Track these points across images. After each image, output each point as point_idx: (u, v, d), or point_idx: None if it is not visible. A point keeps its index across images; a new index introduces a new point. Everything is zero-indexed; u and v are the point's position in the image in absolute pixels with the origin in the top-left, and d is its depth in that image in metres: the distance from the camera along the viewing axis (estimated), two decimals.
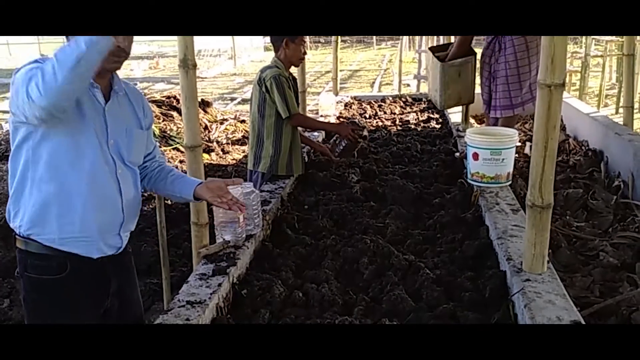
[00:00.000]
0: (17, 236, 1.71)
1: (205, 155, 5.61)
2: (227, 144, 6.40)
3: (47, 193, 1.64)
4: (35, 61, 1.55)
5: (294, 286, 2.24)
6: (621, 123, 4.54)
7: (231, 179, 2.17)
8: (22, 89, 1.47)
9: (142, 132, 1.86)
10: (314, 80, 13.26)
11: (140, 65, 15.86)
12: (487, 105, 3.99)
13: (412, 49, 14.52)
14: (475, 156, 3.13)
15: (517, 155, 3.52)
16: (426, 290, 2.15)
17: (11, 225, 1.71)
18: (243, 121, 7.22)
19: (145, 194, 2.92)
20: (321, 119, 5.57)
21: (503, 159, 3.08)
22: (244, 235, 2.37)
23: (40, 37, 18.28)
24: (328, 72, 13.20)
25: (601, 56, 8.71)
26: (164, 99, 7.03)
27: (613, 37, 7.68)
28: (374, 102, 6.84)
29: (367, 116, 6.16)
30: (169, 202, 3.80)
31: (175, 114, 6.62)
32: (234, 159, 5.88)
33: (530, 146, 2.03)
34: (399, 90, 8.71)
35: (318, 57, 18.37)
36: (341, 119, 5.76)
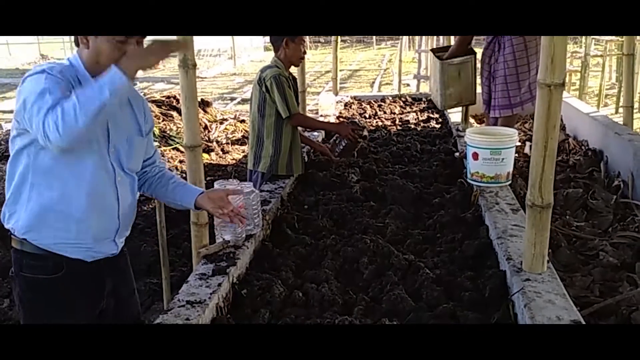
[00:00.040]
0: (12, 236, 1.71)
1: (205, 155, 5.60)
2: (227, 143, 6.39)
3: (47, 199, 1.64)
4: (43, 71, 1.54)
5: (293, 286, 2.24)
6: (621, 123, 4.55)
7: (232, 188, 2.17)
8: (37, 118, 1.47)
9: (142, 139, 1.85)
10: (314, 80, 13.26)
11: None
12: (486, 105, 4.00)
13: (412, 49, 14.52)
14: (475, 156, 3.13)
15: (517, 155, 3.53)
16: (426, 290, 2.15)
17: (6, 226, 1.71)
18: (243, 121, 7.22)
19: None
20: (321, 119, 5.57)
21: (503, 159, 3.08)
22: (243, 235, 2.37)
23: (40, 37, 18.27)
24: (328, 72, 13.20)
25: (601, 56, 8.72)
26: (163, 98, 7.02)
27: (613, 37, 7.69)
28: (373, 102, 6.85)
29: (367, 116, 6.16)
30: None
31: (175, 113, 6.61)
32: (233, 159, 5.88)
33: (530, 146, 2.03)
34: (399, 90, 8.71)
35: (318, 57, 18.38)
36: (341, 119, 5.76)
